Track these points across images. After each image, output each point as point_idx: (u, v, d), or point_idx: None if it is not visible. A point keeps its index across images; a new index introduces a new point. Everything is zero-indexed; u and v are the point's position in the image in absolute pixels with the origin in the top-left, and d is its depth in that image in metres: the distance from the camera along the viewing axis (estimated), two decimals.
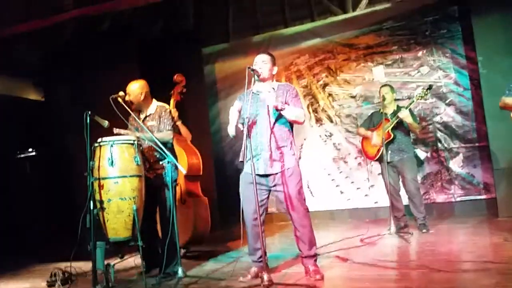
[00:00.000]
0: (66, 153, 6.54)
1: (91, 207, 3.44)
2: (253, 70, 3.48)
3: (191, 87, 6.26)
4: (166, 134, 3.97)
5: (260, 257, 3.56)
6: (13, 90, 7.44)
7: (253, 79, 3.51)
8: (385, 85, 5.46)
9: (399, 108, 5.26)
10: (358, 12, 7.20)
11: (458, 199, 6.38)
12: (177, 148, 5.05)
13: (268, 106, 3.49)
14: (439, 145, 6.52)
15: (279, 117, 3.51)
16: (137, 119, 3.92)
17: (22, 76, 7.47)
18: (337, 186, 7.08)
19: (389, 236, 4.87)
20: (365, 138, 5.51)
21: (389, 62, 6.84)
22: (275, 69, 3.66)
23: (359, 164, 6.98)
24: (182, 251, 4.76)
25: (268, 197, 3.63)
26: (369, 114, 5.68)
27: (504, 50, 5.48)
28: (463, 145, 6.39)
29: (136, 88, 4.05)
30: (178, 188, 4.96)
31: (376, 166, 6.87)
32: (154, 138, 3.75)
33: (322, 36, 7.29)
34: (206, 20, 7.94)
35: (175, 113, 5.25)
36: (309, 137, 7.28)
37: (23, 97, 7.50)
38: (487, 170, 6.19)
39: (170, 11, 7.26)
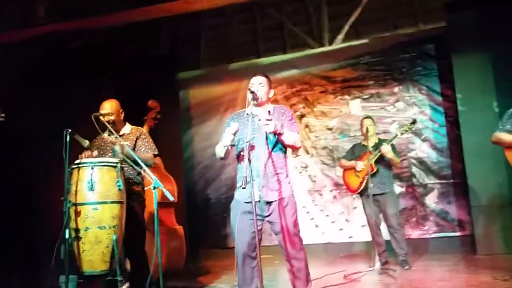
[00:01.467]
0: (27, 178, 6.03)
1: (67, 236, 3.08)
2: (252, 92, 3.28)
3: (165, 113, 6.06)
4: (150, 157, 3.70)
5: None
6: None
7: (251, 101, 3.31)
8: (368, 117, 5.41)
9: (380, 141, 5.20)
10: (334, 46, 7.27)
11: (433, 235, 6.36)
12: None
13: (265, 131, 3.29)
14: (414, 180, 6.54)
15: (275, 142, 3.32)
16: (118, 136, 3.62)
17: None
18: (311, 219, 6.91)
19: (373, 273, 4.71)
20: (346, 170, 5.40)
21: (366, 96, 6.88)
22: (272, 92, 3.49)
23: (335, 197, 6.87)
24: None
25: (262, 228, 3.39)
26: (350, 146, 5.58)
27: (483, 88, 5.60)
28: (438, 181, 6.43)
29: (115, 106, 3.79)
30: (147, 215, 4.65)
31: (351, 200, 6.80)
32: (137, 158, 3.45)
33: (299, 68, 7.28)
34: (181, 46, 7.81)
35: None
36: (289, 166, 7.10)
37: None
38: (462, 207, 6.24)
39: (146, 34, 7.06)
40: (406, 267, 4.94)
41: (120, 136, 3.72)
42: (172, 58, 7.10)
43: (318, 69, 7.16)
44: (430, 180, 6.47)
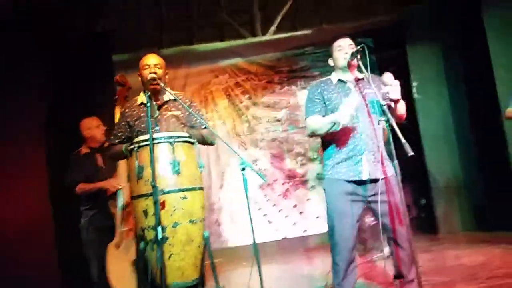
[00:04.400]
0: None
1: (159, 236, 2.21)
2: (361, 50, 2.84)
3: (99, 98, 5.24)
4: (211, 133, 2.95)
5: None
6: None
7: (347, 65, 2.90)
8: None
9: None
10: (277, 35, 7.05)
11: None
12: None
13: (365, 97, 2.88)
14: None
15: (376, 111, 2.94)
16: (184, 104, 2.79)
17: None
18: (264, 215, 6.53)
19: (382, 258, 4.58)
20: None
21: None
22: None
23: (287, 190, 6.61)
24: None
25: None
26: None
27: (435, 78, 6.00)
28: None
29: (163, 61, 2.93)
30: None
31: (304, 192, 6.65)
32: (214, 132, 2.73)
33: (243, 56, 6.86)
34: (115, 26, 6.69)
35: None
36: (232, 163, 6.59)
37: None
38: (406, 193, 6.55)
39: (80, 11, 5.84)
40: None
41: (165, 103, 2.88)
42: (107, 36, 5.97)
43: (263, 58, 6.86)
44: None
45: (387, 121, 2.55)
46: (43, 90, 4.92)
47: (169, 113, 2.84)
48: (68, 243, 4.95)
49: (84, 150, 4.02)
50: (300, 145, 6.62)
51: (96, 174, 3.90)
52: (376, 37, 6.83)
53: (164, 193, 2.34)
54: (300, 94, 6.79)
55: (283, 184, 6.62)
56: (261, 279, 2.46)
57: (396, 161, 2.58)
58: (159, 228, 2.21)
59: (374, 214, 2.93)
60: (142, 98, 2.88)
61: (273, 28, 7.36)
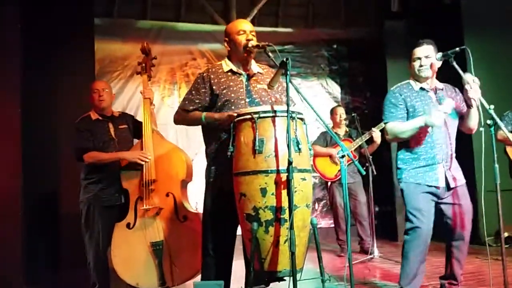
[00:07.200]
0: None
1: (291, 218, 1.99)
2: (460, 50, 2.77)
3: (80, 63, 4.80)
4: None
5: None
6: None
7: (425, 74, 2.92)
8: (340, 105, 5.44)
9: (351, 130, 5.30)
10: (257, 28, 6.86)
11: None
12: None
13: (448, 103, 2.87)
14: None
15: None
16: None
17: None
18: None
19: (378, 259, 4.67)
20: (319, 157, 5.22)
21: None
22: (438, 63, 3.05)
23: None
24: None
25: None
26: (320, 133, 5.41)
27: None
28: None
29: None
30: (171, 199, 3.41)
31: None
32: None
33: (222, 42, 6.56)
34: None
35: (152, 94, 3.67)
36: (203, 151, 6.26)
37: None
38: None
39: None
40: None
41: (253, 74, 2.68)
42: None
43: None
44: None
45: (494, 124, 2.56)
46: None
47: (258, 85, 2.65)
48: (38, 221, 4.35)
49: (94, 116, 3.56)
50: None
51: (107, 144, 3.47)
52: (352, 47, 7.02)
53: (286, 171, 2.11)
54: None
55: None
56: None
57: (496, 165, 2.57)
58: (293, 210, 1.99)
59: (441, 215, 2.97)
60: (229, 64, 2.66)
61: (249, 18, 7.20)
